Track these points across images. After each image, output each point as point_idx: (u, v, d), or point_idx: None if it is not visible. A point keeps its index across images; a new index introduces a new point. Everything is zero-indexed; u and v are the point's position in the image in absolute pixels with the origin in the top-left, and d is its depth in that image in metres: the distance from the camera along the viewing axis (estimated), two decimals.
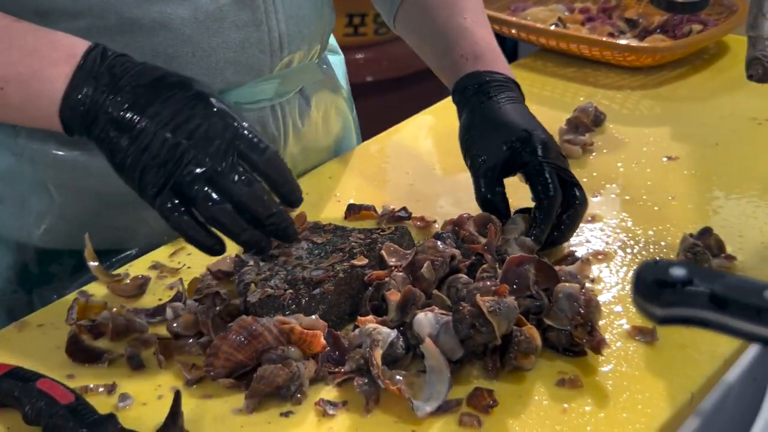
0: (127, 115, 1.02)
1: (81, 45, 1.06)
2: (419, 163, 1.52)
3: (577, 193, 1.23)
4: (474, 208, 1.26)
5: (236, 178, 1.01)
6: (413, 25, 1.43)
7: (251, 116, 1.32)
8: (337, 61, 1.55)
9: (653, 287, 0.68)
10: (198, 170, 1.01)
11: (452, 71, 1.35)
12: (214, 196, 1.01)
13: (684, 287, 0.67)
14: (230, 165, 1.01)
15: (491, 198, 1.24)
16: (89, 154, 1.26)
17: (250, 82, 1.29)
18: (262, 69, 1.29)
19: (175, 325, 1.11)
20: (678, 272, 0.67)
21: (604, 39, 1.79)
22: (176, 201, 1.01)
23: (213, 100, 1.04)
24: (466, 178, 1.33)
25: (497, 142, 1.25)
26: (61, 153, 1.26)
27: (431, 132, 1.63)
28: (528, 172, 1.23)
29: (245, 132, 1.03)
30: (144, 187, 1.02)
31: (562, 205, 1.22)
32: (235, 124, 1.03)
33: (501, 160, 1.24)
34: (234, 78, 1.27)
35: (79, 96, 1.03)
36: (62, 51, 1.05)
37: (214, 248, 1.05)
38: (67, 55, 1.05)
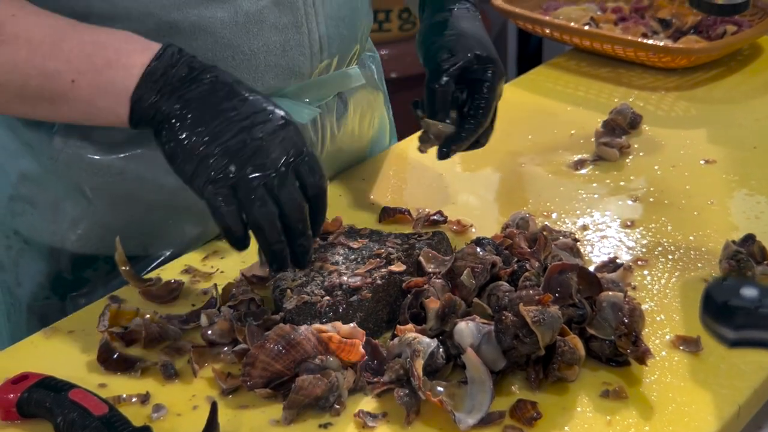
0: (200, 111, 1.03)
1: (155, 43, 1.07)
2: (453, 164, 1.50)
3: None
4: (510, 208, 1.23)
5: (291, 189, 1.02)
6: None
7: None
8: (374, 61, 1.52)
9: (724, 308, 0.65)
10: (260, 173, 1.01)
11: None
12: (267, 199, 1.01)
13: (757, 309, 0.64)
14: (288, 176, 1.02)
15: (441, 87, 1.26)
16: (125, 159, 1.25)
17: (291, 86, 1.27)
18: (302, 72, 1.27)
19: (209, 332, 1.09)
20: (750, 293, 0.64)
21: (639, 40, 1.76)
22: (228, 193, 1.02)
23: (288, 117, 1.05)
24: (502, 181, 1.31)
25: (466, 48, 1.28)
26: (96, 157, 1.25)
27: None
28: (476, 89, 1.27)
29: (310, 155, 1.05)
30: (200, 172, 1.02)
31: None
32: (304, 146, 1.05)
33: (464, 64, 1.27)
34: (274, 82, 1.25)
35: (155, 82, 1.04)
36: (138, 43, 1.07)
37: (245, 243, 1.04)
38: (143, 47, 1.06)
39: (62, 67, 1.06)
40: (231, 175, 1.01)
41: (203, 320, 1.10)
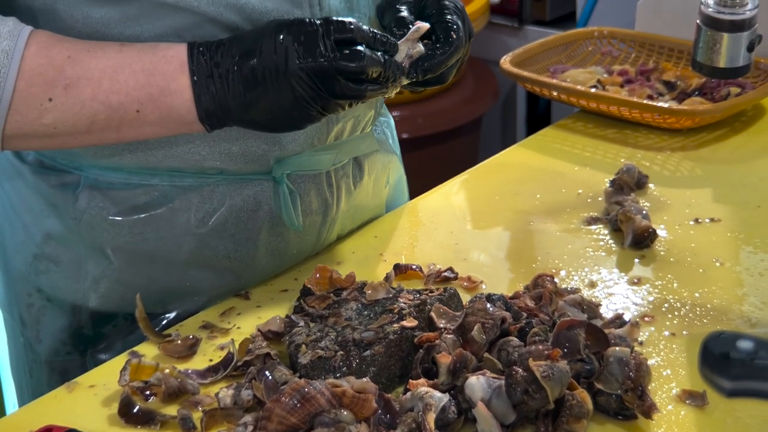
0: (251, 93, 1.15)
1: (182, 49, 1.16)
2: (463, 222, 1.53)
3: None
4: (519, 265, 1.25)
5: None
6: None
7: (308, 181, 1.33)
8: (388, 126, 1.55)
9: (721, 360, 0.67)
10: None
11: None
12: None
13: (752, 360, 0.66)
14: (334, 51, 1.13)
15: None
16: (145, 220, 1.28)
17: (307, 150, 1.31)
18: (319, 137, 1.31)
19: (228, 401, 1.10)
20: (745, 345, 0.67)
21: (644, 101, 1.80)
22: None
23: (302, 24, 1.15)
24: (512, 238, 1.32)
25: None
26: (118, 218, 1.28)
27: (473, 192, 1.64)
28: (433, 16, 1.26)
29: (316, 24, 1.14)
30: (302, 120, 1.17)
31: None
32: (321, 46, 1.13)
33: None
34: (291, 146, 1.29)
35: (207, 97, 1.15)
36: (174, 62, 1.16)
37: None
38: (179, 65, 1.15)
39: (124, 100, 1.14)
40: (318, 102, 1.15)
41: (223, 399, 1.11)
